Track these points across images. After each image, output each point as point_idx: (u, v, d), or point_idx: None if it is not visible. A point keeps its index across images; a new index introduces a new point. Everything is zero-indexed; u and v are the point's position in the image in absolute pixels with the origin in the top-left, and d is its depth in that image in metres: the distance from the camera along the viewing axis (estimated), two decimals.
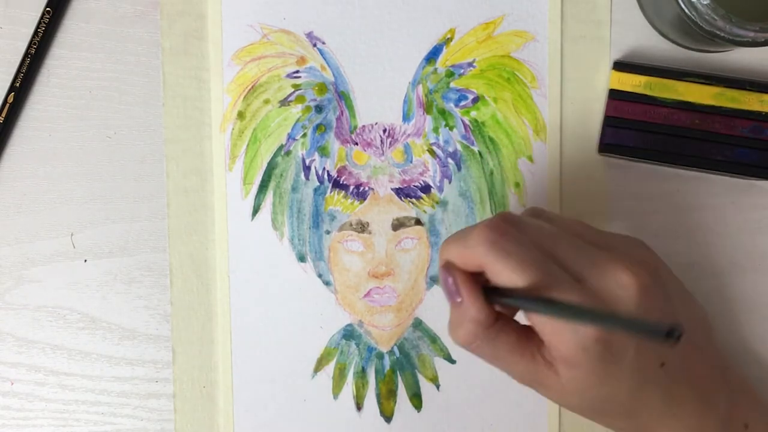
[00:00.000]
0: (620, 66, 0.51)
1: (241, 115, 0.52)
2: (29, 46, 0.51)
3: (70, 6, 0.52)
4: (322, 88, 0.52)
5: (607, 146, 0.51)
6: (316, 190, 0.52)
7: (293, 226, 0.52)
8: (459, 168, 0.52)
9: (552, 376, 0.39)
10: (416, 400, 0.53)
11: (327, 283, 0.53)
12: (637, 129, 0.51)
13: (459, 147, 0.52)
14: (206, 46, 0.52)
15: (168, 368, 0.53)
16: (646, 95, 0.51)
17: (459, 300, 0.39)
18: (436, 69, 0.52)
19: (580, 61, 0.52)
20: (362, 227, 0.52)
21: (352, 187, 0.52)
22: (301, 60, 0.52)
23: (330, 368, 0.53)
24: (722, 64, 0.52)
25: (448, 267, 0.40)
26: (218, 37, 0.52)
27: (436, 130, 0.52)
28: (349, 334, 0.53)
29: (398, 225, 0.52)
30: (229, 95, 0.52)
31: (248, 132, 0.52)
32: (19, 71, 0.51)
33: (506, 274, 0.37)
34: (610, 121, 0.51)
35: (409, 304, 0.52)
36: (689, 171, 0.52)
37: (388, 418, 0.53)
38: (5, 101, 0.51)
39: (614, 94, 0.51)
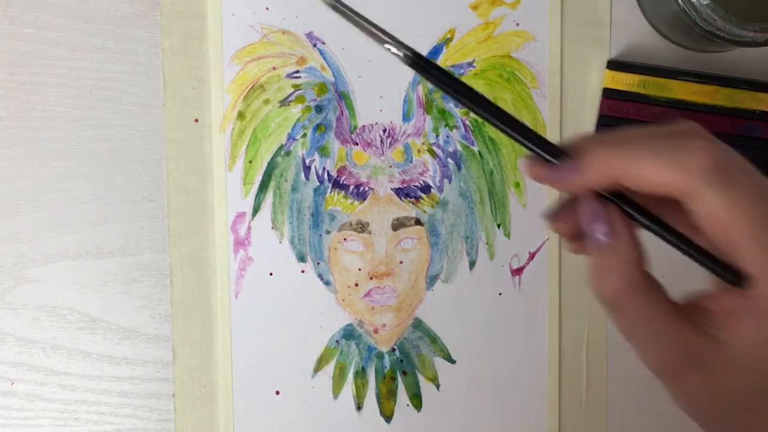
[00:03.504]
0: (614, 65, 0.51)
1: (241, 115, 0.52)
2: None
3: (70, 6, 0.52)
4: (322, 88, 0.52)
5: None
6: (316, 190, 0.52)
7: (293, 226, 0.52)
8: (459, 168, 0.52)
9: (716, 350, 0.32)
10: (416, 400, 0.53)
11: (327, 283, 0.53)
12: None
13: (459, 147, 0.52)
14: (206, 46, 0.52)
15: (168, 368, 0.53)
16: (640, 94, 0.51)
17: (611, 241, 0.32)
18: None
19: (580, 61, 0.52)
20: (362, 227, 0.52)
21: (352, 187, 0.52)
22: (301, 60, 0.52)
23: (330, 368, 0.53)
24: (721, 63, 0.52)
25: (596, 199, 0.32)
26: (218, 37, 0.52)
27: (436, 130, 0.52)
28: (349, 334, 0.53)
29: (398, 225, 0.52)
30: (229, 95, 0.52)
31: (248, 132, 0.52)
32: None
33: (727, 214, 0.30)
34: (604, 120, 0.51)
35: (409, 304, 0.53)
36: None
37: (388, 418, 0.53)
38: None
39: (608, 93, 0.51)
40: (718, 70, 0.52)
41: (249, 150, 0.52)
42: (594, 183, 0.32)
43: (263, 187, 0.52)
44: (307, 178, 0.52)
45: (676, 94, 0.51)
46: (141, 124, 0.52)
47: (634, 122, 0.51)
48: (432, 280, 0.53)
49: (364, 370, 0.53)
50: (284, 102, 0.52)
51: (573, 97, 0.52)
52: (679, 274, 0.54)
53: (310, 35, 0.52)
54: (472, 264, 0.53)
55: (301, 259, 0.52)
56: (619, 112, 0.51)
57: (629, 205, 0.32)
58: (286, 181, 0.52)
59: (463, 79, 0.52)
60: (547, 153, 0.32)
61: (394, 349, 0.53)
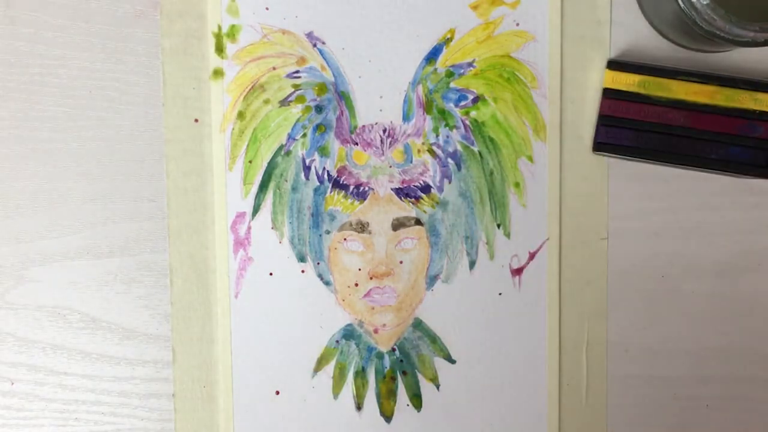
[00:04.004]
0: (614, 65, 0.51)
1: (241, 115, 0.52)
2: None
3: (69, 6, 0.52)
4: (322, 88, 0.52)
5: (601, 145, 0.51)
6: (316, 190, 0.52)
7: (293, 226, 0.52)
8: (459, 168, 0.52)
9: None
10: (416, 400, 0.53)
11: (327, 283, 0.53)
12: (632, 128, 0.51)
13: (459, 147, 0.52)
14: (206, 46, 0.52)
15: (168, 368, 0.53)
16: (640, 94, 0.51)
17: None
18: (436, 69, 0.52)
19: (580, 61, 0.52)
20: (362, 227, 0.52)
21: (352, 187, 0.52)
22: (301, 60, 0.52)
23: (330, 368, 0.53)
24: (721, 63, 0.52)
25: None
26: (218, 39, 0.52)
27: (436, 130, 0.52)
28: (349, 334, 0.53)
29: (398, 225, 0.52)
30: (229, 95, 0.52)
31: (248, 132, 0.52)
32: None
33: None
34: (604, 120, 0.51)
35: (409, 304, 0.53)
36: (688, 170, 0.52)
37: (388, 418, 0.53)
38: None
39: (608, 93, 0.51)
40: (718, 70, 0.52)
41: (249, 150, 0.52)
42: None
43: (263, 187, 0.52)
44: (307, 178, 0.52)
45: (676, 94, 0.51)
46: (141, 124, 0.52)
47: (635, 122, 0.51)
48: (432, 280, 0.53)
49: (364, 370, 0.53)
50: (284, 102, 0.52)
51: (573, 97, 0.52)
52: (677, 273, 0.55)
53: (310, 35, 0.52)
54: (472, 264, 0.53)
55: (301, 259, 0.52)
56: (619, 112, 0.51)
57: None
58: (286, 181, 0.52)
59: (463, 79, 0.52)
60: None
61: (394, 349, 0.53)
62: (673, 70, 0.51)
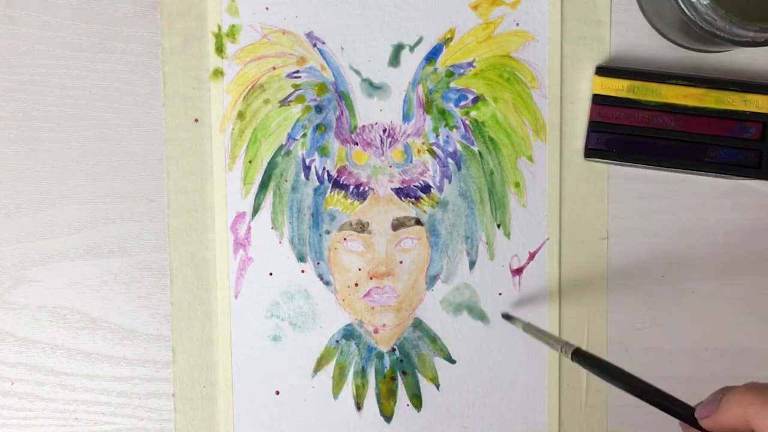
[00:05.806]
0: (602, 71, 0.51)
1: (241, 115, 0.52)
2: None
3: (69, 6, 0.52)
4: (322, 88, 0.52)
5: (592, 151, 0.51)
6: (316, 190, 0.52)
7: (293, 226, 0.52)
8: (459, 168, 0.52)
9: None
10: (416, 400, 0.53)
11: (327, 283, 0.53)
12: (622, 133, 0.51)
13: (459, 147, 0.52)
14: (206, 46, 0.52)
15: (168, 368, 0.53)
16: (629, 99, 0.51)
17: None
18: (436, 69, 0.52)
19: (580, 61, 0.52)
20: (362, 227, 0.52)
21: (352, 187, 0.52)
22: (301, 60, 0.52)
23: (330, 368, 0.53)
24: (722, 64, 0.52)
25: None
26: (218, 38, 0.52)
27: (436, 130, 0.52)
28: (349, 333, 0.53)
29: (398, 225, 0.52)
30: (229, 95, 0.52)
31: (248, 132, 0.52)
32: None
33: None
34: (594, 127, 0.51)
35: (409, 304, 0.53)
36: (685, 173, 0.52)
37: (388, 418, 0.53)
38: None
39: (598, 99, 0.51)
40: (713, 71, 0.52)
41: (249, 150, 0.52)
42: (729, 422, 0.34)
43: (263, 187, 0.52)
44: (307, 178, 0.52)
45: (666, 97, 0.51)
46: (141, 124, 0.52)
47: (625, 127, 0.51)
48: (432, 280, 0.53)
49: (364, 370, 0.53)
50: (284, 102, 0.52)
51: (573, 96, 0.52)
52: (677, 273, 0.55)
53: (310, 35, 0.52)
54: (472, 264, 0.53)
55: (301, 259, 0.52)
56: (609, 118, 0.51)
57: None
58: (286, 181, 0.52)
59: (464, 78, 0.52)
60: (680, 409, 0.36)
61: (394, 349, 0.53)
62: (662, 74, 0.51)
